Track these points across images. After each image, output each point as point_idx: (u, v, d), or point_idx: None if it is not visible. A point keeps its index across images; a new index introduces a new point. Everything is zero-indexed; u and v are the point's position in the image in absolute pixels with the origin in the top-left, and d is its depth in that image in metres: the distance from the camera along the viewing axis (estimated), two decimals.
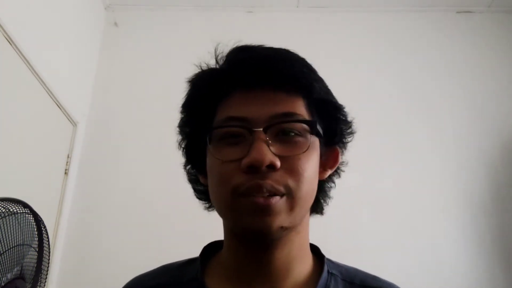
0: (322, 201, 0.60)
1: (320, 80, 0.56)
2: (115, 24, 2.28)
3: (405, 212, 1.87)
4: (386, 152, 1.98)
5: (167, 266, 0.63)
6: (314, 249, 0.60)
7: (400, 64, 2.18)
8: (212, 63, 0.57)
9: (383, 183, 1.91)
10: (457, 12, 2.30)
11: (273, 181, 0.48)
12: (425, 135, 2.03)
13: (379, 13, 2.30)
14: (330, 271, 0.57)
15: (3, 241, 0.78)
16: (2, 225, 0.78)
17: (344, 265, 0.60)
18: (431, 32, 2.26)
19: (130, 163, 1.95)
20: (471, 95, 2.11)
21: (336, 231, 1.75)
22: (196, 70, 0.58)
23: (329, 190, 0.61)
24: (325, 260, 0.58)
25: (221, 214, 0.54)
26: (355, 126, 0.60)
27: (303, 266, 0.56)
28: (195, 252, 0.62)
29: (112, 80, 2.15)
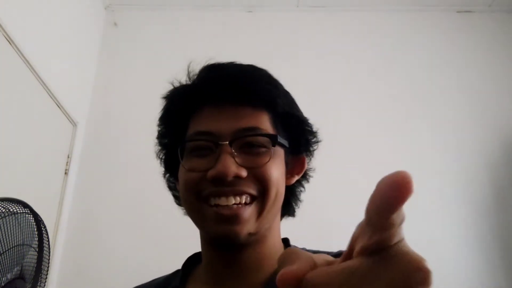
0: (293, 204, 0.64)
1: (284, 95, 0.60)
2: (115, 24, 2.28)
3: (406, 211, 1.87)
4: (386, 151, 1.98)
5: (156, 278, 0.67)
6: (285, 241, 0.63)
7: (400, 64, 2.18)
8: (185, 80, 0.61)
9: None
10: (458, 12, 2.30)
11: (240, 186, 0.52)
12: (426, 134, 2.03)
13: (379, 13, 2.29)
14: None
15: (3, 241, 0.78)
16: (2, 225, 0.78)
17: (311, 250, 0.61)
18: (431, 31, 2.26)
19: (130, 163, 1.95)
20: (471, 95, 2.10)
21: (335, 231, 1.74)
22: (170, 87, 0.62)
23: (299, 194, 0.65)
24: None
25: (192, 219, 0.58)
26: (320, 136, 0.63)
27: (274, 260, 0.58)
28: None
29: (112, 80, 2.15)
